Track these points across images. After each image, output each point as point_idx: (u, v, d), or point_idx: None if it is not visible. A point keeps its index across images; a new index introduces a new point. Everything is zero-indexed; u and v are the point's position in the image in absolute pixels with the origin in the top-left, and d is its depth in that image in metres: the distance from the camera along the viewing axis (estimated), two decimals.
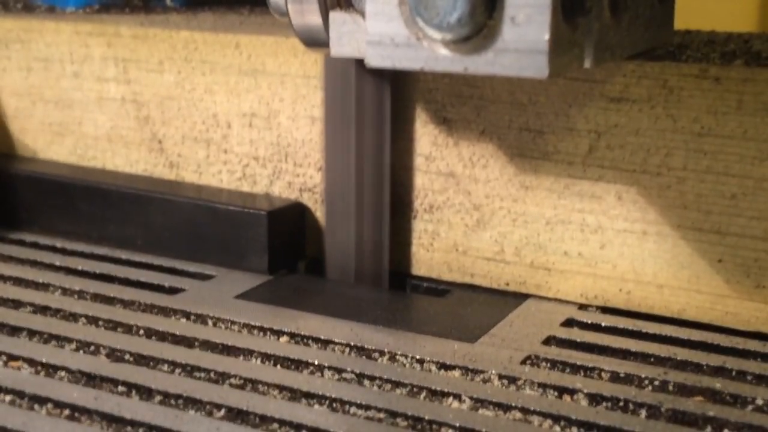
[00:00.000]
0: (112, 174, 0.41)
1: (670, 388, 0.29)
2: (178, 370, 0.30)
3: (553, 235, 0.34)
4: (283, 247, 0.37)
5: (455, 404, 0.28)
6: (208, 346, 0.31)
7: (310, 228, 0.38)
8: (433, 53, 0.26)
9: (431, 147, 0.35)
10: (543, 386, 0.29)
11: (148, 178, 0.40)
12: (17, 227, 0.41)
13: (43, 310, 0.34)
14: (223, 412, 0.27)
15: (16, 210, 0.41)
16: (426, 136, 0.35)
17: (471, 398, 0.28)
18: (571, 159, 0.33)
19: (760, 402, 0.28)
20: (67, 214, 0.40)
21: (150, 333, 0.32)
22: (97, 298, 0.35)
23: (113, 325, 0.33)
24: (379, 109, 0.35)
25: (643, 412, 0.27)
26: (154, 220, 0.38)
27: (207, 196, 0.37)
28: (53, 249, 0.40)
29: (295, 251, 0.37)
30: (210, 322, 0.33)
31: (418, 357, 0.30)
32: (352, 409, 0.27)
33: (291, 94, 0.37)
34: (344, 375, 0.29)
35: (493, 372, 0.29)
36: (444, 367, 0.30)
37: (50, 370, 0.30)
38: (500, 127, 0.34)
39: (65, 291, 0.35)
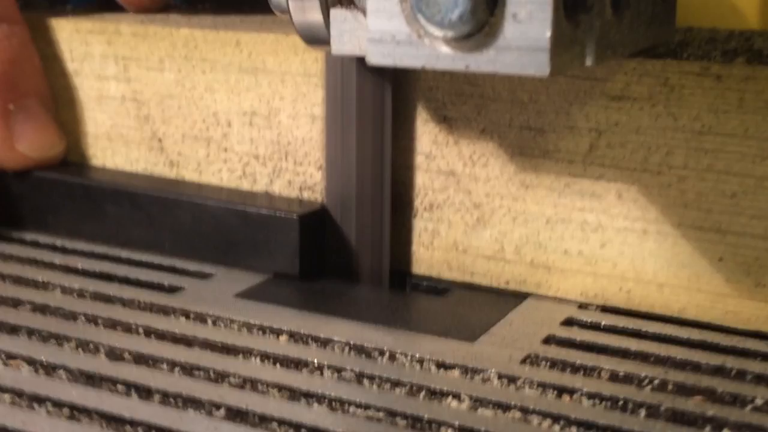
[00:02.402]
0: (135, 176, 0.40)
1: (670, 387, 0.29)
2: (177, 370, 0.30)
3: (554, 234, 0.34)
4: (314, 251, 0.36)
5: (454, 404, 0.28)
6: (208, 345, 0.31)
7: None
8: (435, 51, 0.26)
9: (431, 145, 0.35)
10: (542, 386, 0.29)
11: (172, 180, 0.40)
12: (39, 229, 0.41)
13: (43, 308, 0.34)
14: (222, 411, 0.27)
15: (40, 212, 0.41)
16: (426, 134, 0.35)
17: (470, 398, 0.28)
18: (572, 157, 0.33)
19: (759, 402, 0.28)
20: (92, 217, 0.39)
21: (149, 332, 0.32)
22: (97, 296, 0.35)
23: (112, 324, 0.33)
24: (380, 108, 0.35)
25: (643, 412, 0.27)
26: (182, 224, 0.37)
27: (234, 199, 0.37)
28: (53, 247, 0.40)
29: (325, 254, 0.36)
30: (209, 321, 0.33)
31: (417, 356, 0.30)
32: (352, 409, 0.27)
33: (291, 92, 0.37)
34: (344, 374, 0.29)
35: (493, 371, 0.29)
36: (443, 366, 0.30)
37: (49, 369, 0.30)
38: (501, 125, 0.34)
39: (64, 290, 0.35)
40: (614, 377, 0.29)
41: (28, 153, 0.39)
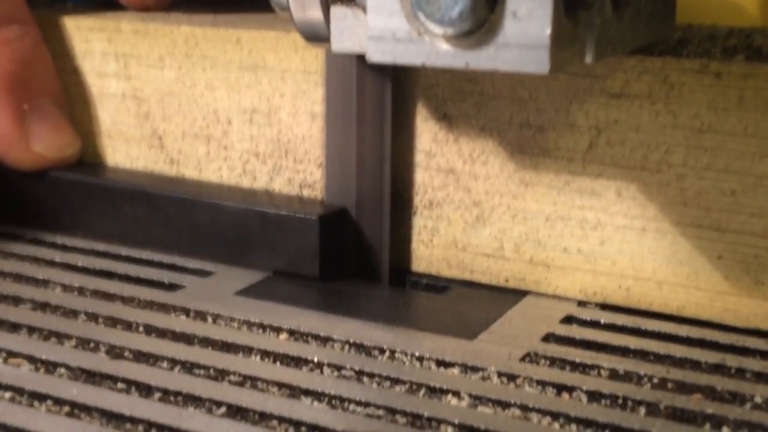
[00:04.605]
0: (151, 176, 0.40)
1: (669, 385, 0.29)
2: (177, 367, 0.30)
3: (553, 232, 0.34)
4: (333, 253, 0.36)
5: (454, 401, 0.28)
6: (208, 343, 0.31)
7: None
8: (435, 48, 0.26)
9: (431, 143, 0.35)
10: (542, 383, 0.29)
11: (194, 181, 0.40)
12: (59, 230, 0.41)
13: (43, 306, 0.34)
14: (223, 409, 0.27)
15: (58, 213, 0.40)
16: (426, 132, 0.35)
17: (470, 395, 0.28)
18: (571, 155, 0.33)
19: (759, 399, 0.28)
20: (111, 217, 0.39)
21: (149, 329, 0.32)
22: (97, 294, 0.35)
23: (113, 322, 0.33)
24: (380, 105, 0.35)
25: (642, 410, 0.27)
26: (201, 224, 0.37)
27: (255, 200, 0.37)
28: (53, 245, 0.40)
29: (345, 256, 0.36)
30: (209, 319, 0.33)
31: (417, 354, 0.30)
32: (351, 406, 0.27)
33: (291, 89, 0.37)
34: (343, 372, 0.29)
35: (492, 369, 0.29)
36: (443, 364, 0.30)
37: (50, 366, 0.30)
38: (500, 123, 0.34)
39: (65, 287, 0.35)
40: (614, 375, 0.29)
41: (44, 153, 0.39)
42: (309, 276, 0.35)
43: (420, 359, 0.30)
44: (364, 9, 0.29)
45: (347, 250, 0.36)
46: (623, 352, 0.31)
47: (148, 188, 0.38)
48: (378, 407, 0.27)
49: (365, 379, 0.29)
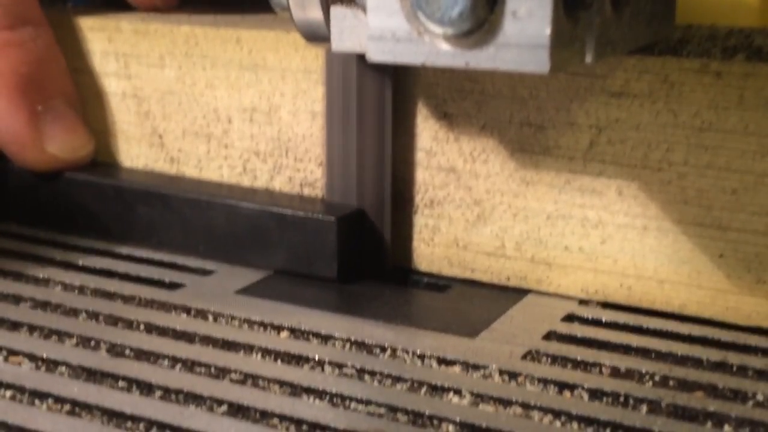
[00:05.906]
0: (165, 177, 0.40)
1: (671, 383, 0.29)
2: (178, 366, 0.30)
3: (554, 230, 0.34)
4: (351, 254, 0.36)
5: (456, 399, 0.28)
6: (209, 341, 0.31)
7: None
8: (435, 48, 0.26)
9: (432, 142, 0.35)
10: (543, 381, 0.29)
11: (209, 182, 0.39)
12: (73, 232, 0.40)
13: (44, 305, 0.34)
14: (224, 407, 0.27)
15: (72, 214, 0.40)
16: (427, 131, 0.35)
17: (471, 393, 0.28)
18: (572, 154, 0.33)
19: (760, 397, 0.28)
20: (125, 219, 0.39)
21: (150, 328, 0.32)
22: (98, 293, 0.35)
23: (113, 321, 0.33)
24: (380, 104, 0.35)
25: (644, 408, 0.27)
26: (217, 226, 0.37)
27: (271, 201, 0.37)
28: (53, 244, 0.40)
29: (362, 257, 0.36)
30: (210, 318, 0.33)
31: (418, 352, 0.30)
32: (353, 405, 0.28)
33: (292, 88, 0.37)
34: (345, 370, 0.29)
35: (494, 367, 0.29)
36: (444, 362, 0.30)
37: (51, 365, 0.30)
38: (501, 122, 0.34)
39: (65, 286, 0.35)
40: (615, 373, 0.29)
41: (58, 154, 0.39)
42: (327, 278, 0.35)
43: (421, 357, 0.30)
44: (364, 9, 0.29)
45: (362, 250, 0.36)
46: (625, 350, 0.31)
47: (161, 189, 0.38)
48: (379, 405, 0.27)
49: (366, 377, 0.29)
